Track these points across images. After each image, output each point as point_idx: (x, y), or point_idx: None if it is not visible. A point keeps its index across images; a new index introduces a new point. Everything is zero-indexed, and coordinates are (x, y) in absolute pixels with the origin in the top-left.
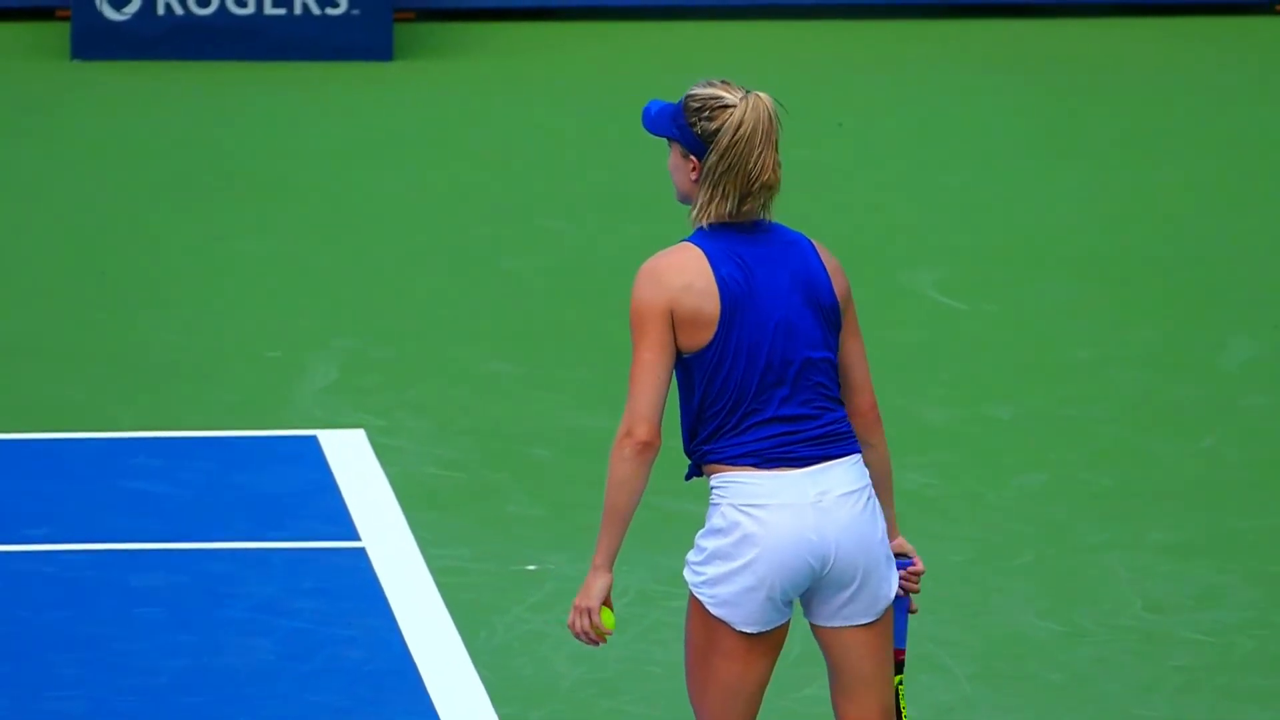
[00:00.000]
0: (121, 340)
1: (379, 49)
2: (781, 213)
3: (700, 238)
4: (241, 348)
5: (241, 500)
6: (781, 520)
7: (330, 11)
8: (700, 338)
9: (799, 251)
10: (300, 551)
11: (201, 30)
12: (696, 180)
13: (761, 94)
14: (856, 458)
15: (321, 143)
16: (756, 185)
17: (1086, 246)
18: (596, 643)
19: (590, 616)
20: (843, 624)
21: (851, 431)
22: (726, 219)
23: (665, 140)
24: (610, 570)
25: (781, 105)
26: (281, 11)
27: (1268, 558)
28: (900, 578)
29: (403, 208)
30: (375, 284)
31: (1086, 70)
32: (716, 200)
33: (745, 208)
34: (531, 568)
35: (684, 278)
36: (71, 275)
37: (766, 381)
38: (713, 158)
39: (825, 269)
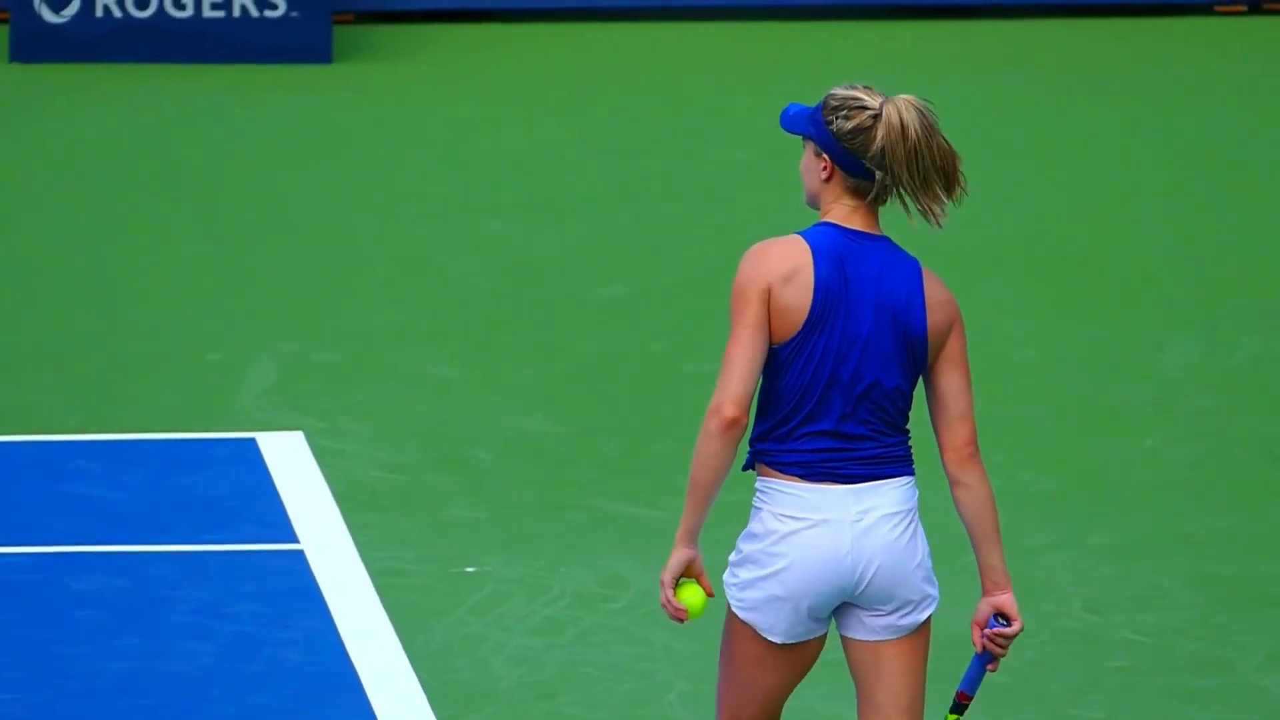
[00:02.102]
0: (61, 343)
1: (318, 51)
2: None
3: (812, 235)
4: (182, 350)
5: (181, 503)
6: (818, 536)
7: (269, 14)
8: (784, 331)
9: (903, 274)
10: (240, 554)
11: (141, 33)
12: (827, 180)
13: (901, 97)
14: (906, 480)
15: (261, 145)
16: (953, 166)
17: (1027, 248)
18: (679, 619)
19: (664, 590)
20: (875, 638)
21: (907, 457)
22: (846, 223)
23: (800, 139)
24: (690, 546)
25: (930, 101)
26: (220, 14)
27: (1208, 559)
28: (987, 636)
29: (343, 210)
30: (315, 287)
31: (1025, 72)
32: (860, 199)
33: (939, 205)
34: (471, 570)
35: (787, 265)
36: (10, 277)
37: (831, 393)
38: (899, 172)
39: (925, 298)
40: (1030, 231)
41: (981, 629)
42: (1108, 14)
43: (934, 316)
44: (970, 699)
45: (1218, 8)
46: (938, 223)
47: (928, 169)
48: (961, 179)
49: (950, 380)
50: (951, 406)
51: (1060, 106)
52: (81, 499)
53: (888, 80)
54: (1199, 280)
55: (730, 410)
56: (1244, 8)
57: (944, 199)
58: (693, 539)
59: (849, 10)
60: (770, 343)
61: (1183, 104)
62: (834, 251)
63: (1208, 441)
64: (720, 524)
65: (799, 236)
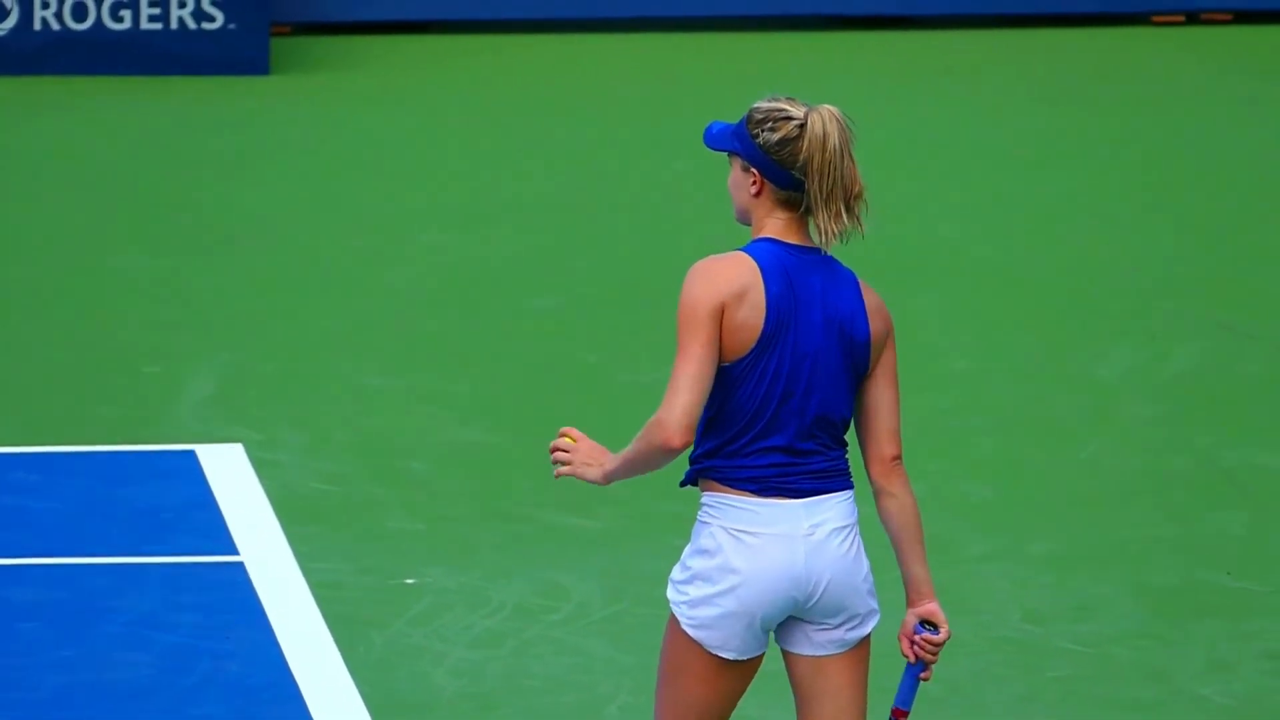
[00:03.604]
0: None
1: (256, 63)
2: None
3: (756, 252)
4: (120, 362)
5: (119, 515)
6: (772, 550)
7: (207, 26)
8: (735, 350)
9: (844, 287)
10: (178, 566)
11: (78, 45)
12: (757, 195)
13: (824, 107)
14: (849, 494)
15: (199, 156)
16: (854, 194)
17: (964, 256)
18: (562, 452)
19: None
20: (820, 653)
21: (847, 470)
22: (784, 238)
23: (725, 156)
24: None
25: (850, 118)
26: (158, 26)
27: (1147, 568)
28: (917, 643)
29: (280, 221)
30: (253, 298)
31: (959, 83)
32: (790, 215)
33: (837, 226)
34: (410, 581)
35: (738, 284)
36: None
37: (785, 410)
38: (810, 182)
39: (865, 308)
40: (967, 241)
41: (910, 640)
42: (1044, 24)
43: (874, 325)
44: (906, 713)
45: (1155, 18)
46: (826, 243)
47: (834, 185)
48: (860, 210)
49: (882, 393)
50: (883, 419)
51: (995, 117)
52: (19, 511)
53: (822, 91)
54: (1135, 289)
55: (677, 442)
56: (1182, 18)
57: (843, 221)
58: (610, 478)
59: (794, 21)
60: (720, 361)
61: (1119, 114)
62: (780, 268)
63: (1146, 451)
64: (661, 533)
65: (743, 254)
